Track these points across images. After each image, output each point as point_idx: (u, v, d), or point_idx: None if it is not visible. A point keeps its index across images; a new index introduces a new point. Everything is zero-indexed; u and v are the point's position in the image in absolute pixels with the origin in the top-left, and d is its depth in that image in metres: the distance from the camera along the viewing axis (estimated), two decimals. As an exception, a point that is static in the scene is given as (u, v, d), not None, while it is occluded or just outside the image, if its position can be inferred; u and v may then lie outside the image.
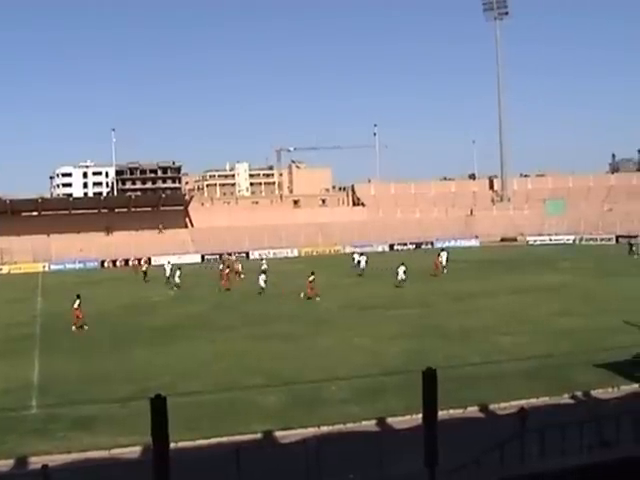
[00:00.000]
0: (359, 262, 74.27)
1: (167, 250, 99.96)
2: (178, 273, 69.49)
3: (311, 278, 57.96)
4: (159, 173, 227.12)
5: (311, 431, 24.59)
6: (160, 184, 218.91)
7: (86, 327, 47.19)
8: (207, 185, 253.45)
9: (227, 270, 69.52)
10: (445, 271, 70.61)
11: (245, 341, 41.66)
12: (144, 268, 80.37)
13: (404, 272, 63.32)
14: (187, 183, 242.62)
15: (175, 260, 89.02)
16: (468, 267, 77.92)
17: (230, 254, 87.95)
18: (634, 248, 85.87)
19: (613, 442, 16.84)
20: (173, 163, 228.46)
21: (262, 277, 62.60)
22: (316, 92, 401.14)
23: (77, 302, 47.54)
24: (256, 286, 61.61)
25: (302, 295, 57.12)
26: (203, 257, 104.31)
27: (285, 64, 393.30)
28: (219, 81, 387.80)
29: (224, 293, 63.43)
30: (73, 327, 47.06)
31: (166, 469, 8.79)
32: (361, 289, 63.07)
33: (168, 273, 73.55)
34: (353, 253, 76.84)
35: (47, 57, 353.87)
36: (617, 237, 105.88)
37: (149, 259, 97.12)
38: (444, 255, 72.74)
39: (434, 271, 69.68)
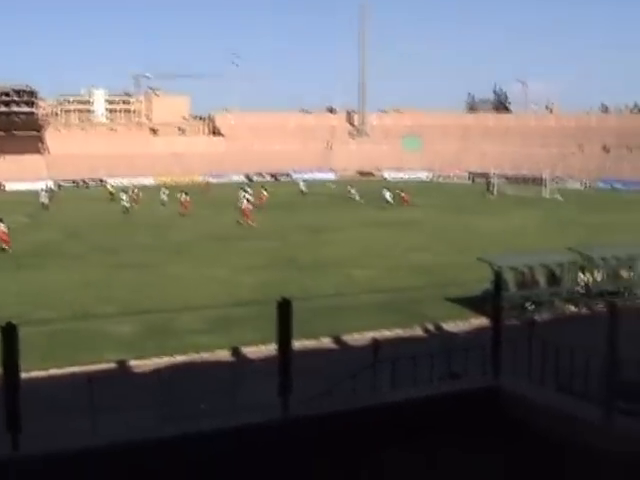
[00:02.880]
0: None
1: (21, 177, 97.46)
2: (166, 191, 75.22)
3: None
4: (13, 96, 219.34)
5: (165, 361, 24.54)
6: (14, 108, 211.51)
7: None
8: (63, 111, 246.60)
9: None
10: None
11: (99, 270, 41.11)
12: (110, 188, 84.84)
13: (390, 196, 71.24)
14: (43, 108, 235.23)
15: (30, 186, 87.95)
16: (324, 200, 78.48)
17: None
18: (491, 187, 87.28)
19: (462, 373, 17.32)
20: (27, 87, 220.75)
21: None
22: (180, 19, 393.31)
23: (1, 225, 49.36)
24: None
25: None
26: (59, 184, 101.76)
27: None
28: (74, 4, 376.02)
29: (82, 221, 62.47)
30: (5, 246, 48.44)
31: (16, 399, 8.58)
32: (219, 219, 62.68)
33: (43, 199, 74.40)
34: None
35: None
36: (472, 176, 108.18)
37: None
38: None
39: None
